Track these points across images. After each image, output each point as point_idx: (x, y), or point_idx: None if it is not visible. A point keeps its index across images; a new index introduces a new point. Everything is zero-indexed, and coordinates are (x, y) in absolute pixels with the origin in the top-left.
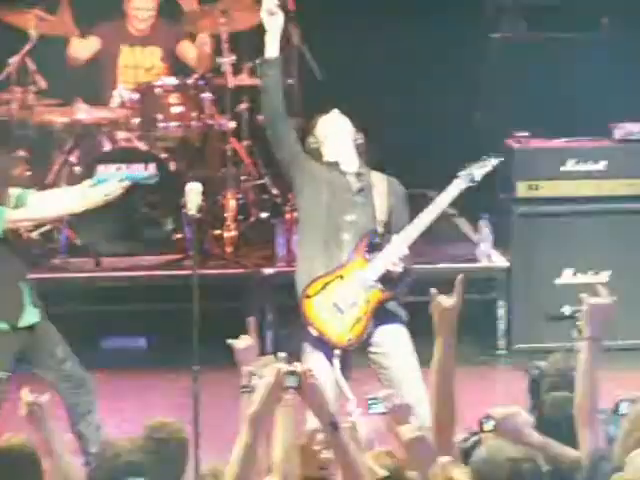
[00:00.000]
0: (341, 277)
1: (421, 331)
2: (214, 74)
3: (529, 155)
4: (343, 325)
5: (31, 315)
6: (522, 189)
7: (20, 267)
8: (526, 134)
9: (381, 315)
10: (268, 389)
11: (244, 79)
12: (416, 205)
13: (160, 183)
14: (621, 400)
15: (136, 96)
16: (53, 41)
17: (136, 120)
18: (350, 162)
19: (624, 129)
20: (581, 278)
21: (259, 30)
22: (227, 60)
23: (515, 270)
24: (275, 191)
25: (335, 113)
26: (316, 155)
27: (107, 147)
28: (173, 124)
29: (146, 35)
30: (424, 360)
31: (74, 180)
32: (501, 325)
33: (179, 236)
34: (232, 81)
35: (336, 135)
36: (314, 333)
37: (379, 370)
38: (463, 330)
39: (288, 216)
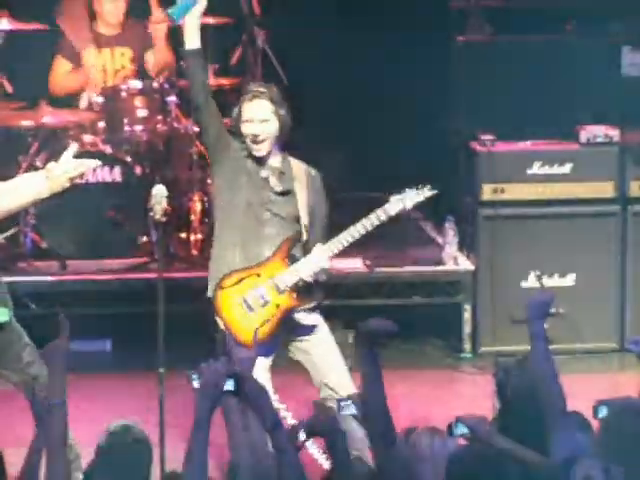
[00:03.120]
0: (258, 275)
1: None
2: (179, 77)
3: (494, 158)
4: (250, 323)
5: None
6: (488, 192)
7: None
8: (491, 137)
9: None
10: None
11: (209, 81)
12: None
13: (126, 186)
14: (599, 404)
15: (102, 99)
16: (19, 43)
17: (102, 123)
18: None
19: (590, 132)
20: (547, 281)
21: (223, 31)
22: None
23: (481, 273)
24: None
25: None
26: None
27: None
28: (138, 127)
29: (115, 36)
30: (391, 361)
31: None
32: (467, 328)
33: (145, 239)
34: None
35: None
36: (221, 325)
37: (303, 357)
38: (429, 333)
39: None
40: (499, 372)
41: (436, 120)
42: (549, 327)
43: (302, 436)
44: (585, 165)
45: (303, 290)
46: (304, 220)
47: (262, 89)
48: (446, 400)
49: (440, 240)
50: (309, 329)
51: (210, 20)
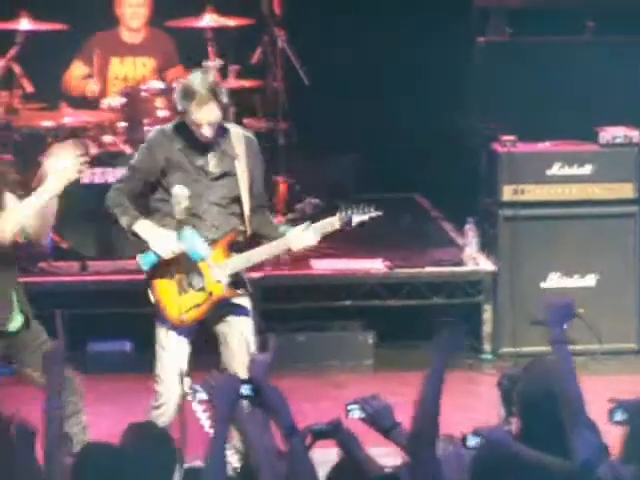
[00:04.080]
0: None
1: (410, 335)
2: None
3: (515, 159)
4: (180, 304)
5: (17, 321)
6: (508, 193)
7: (9, 273)
8: (512, 138)
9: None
10: None
11: (230, 82)
12: (403, 208)
13: None
14: (615, 407)
15: (122, 100)
16: (40, 44)
17: (122, 124)
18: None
19: (609, 133)
20: (567, 282)
21: (244, 32)
22: (213, 64)
23: (501, 274)
24: None
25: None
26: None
27: (93, 151)
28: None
29: (139, 45)
30: (410, 362)
31: None
32: (487, 329)
33: None
34: None
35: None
36: (151, 299)
37: (220, 329)
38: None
39: None
40: (504, 381)
41: (456, 120)
42: (568, 328)
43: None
44: (605, 166)
45: (236, 282)
46: (245, 201)
47: (208, 94)
48: (466, 401)
49: (460, 241)
50: (236, 307)
51: (231, 22)
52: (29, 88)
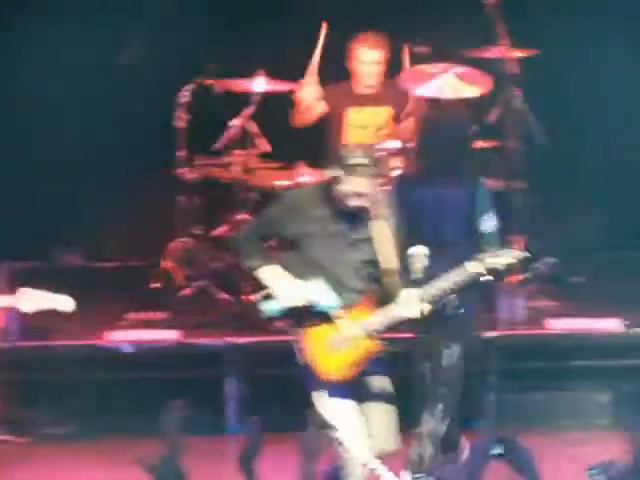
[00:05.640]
0: (346, 318)
1: None
2: None
3: None
4: (335, 362)
5: None
6: None
7: None
8: None
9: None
10: None
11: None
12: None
13: None
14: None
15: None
16: (274, 104)
17: None
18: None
19: None
20: None
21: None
22: None
23: None
24: None
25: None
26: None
27: None
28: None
29: (374, 95)
30: None
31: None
32: None
33: None
34: None
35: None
36: (301, 362)
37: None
38: None
39: None
40: None
41: None
42: None
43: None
44: None
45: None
46: (383, 263)
47: (362, 166)
48: None
49: None
50: (377, 393)
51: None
52: (265, 147)
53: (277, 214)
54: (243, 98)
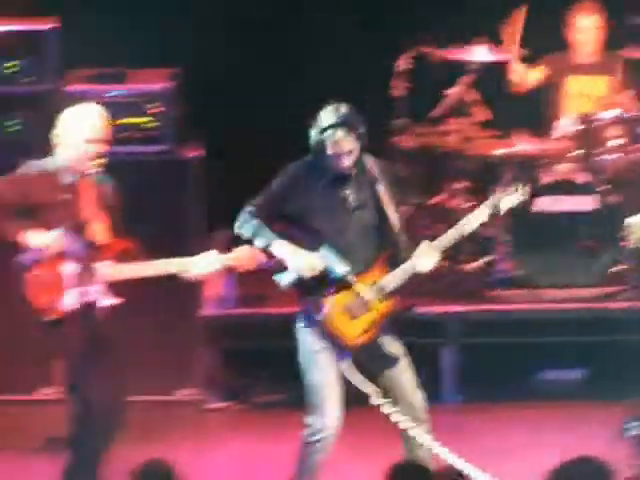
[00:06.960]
0: (358, 283)
1: None
2: None
3: None
4: (354, 330)
5: None
6: None
7: None
8: None
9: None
10: None
11: None
12: None
13: (600, 215)
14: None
15: (576, 127)
16: (493, 71)
17: (576, 152)
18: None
19: None
20: None
21: None
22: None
23: None
24: None
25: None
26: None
27: (546, 179)
28: (611, 156)
29: (592, 64)
30: None
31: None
32: None
33: (618, 268)
34: None
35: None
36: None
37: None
38: None
39: None
40: None
41: None
42: None
43: None
44: None
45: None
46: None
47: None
48: None
49: None
50: (393, 360)
51: None
52: (484, 116)
53: (279, 190)
54: (461, 66)
